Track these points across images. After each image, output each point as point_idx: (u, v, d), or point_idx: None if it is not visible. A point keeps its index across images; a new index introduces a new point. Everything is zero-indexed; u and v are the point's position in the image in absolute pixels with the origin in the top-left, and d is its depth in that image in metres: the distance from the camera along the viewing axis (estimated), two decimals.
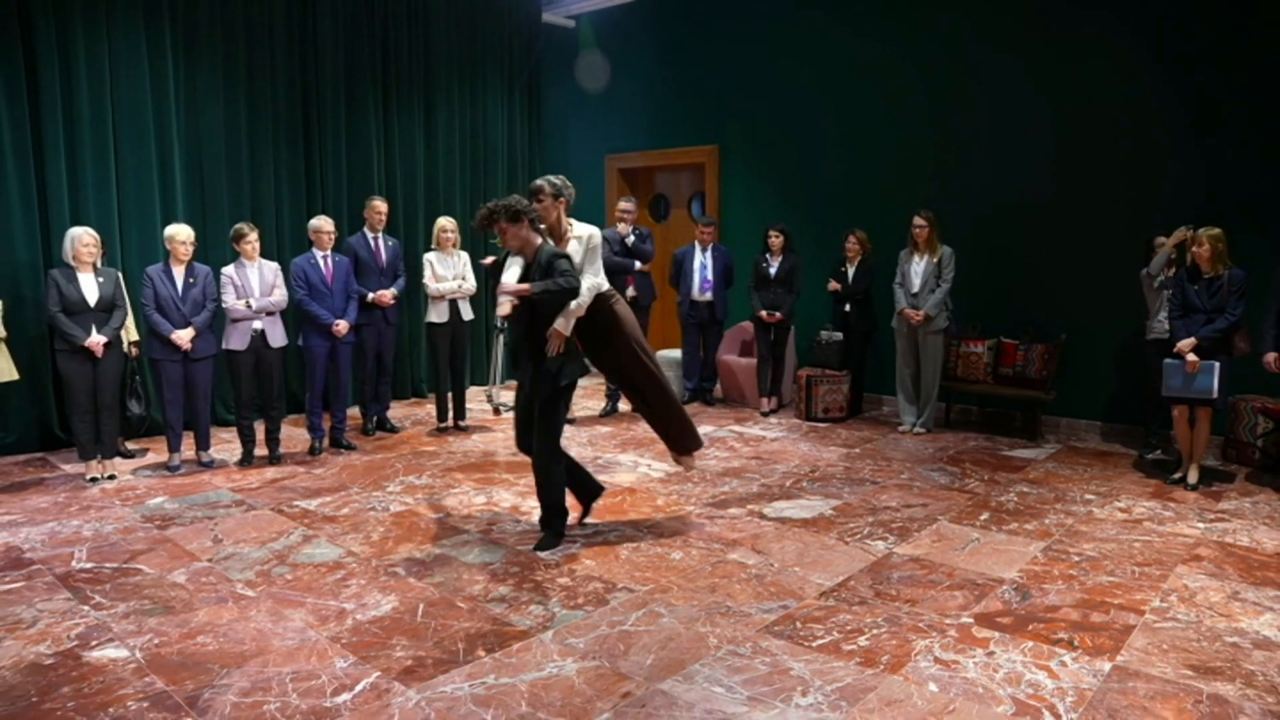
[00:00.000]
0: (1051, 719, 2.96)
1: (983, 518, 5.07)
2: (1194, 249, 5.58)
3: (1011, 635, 3.58)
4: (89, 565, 4.46)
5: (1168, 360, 5.58)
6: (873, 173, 8.01)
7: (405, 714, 3.03)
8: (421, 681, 3.25)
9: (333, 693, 3.18)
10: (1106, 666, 3.32)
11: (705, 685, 3.19)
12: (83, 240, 5.85)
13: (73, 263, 5.83)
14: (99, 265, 5.95)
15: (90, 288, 5.82)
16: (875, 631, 3.61)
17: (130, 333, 6.37)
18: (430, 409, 7.99)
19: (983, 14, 7.34)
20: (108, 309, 5.88)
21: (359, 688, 3.21)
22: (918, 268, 7.06)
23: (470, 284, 7.21)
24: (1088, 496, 5.47)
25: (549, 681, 3.23)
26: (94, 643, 3.60)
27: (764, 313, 7.71)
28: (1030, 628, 3.65)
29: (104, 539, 4.85)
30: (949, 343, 7.23)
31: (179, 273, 6.10)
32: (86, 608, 3.95)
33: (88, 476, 5.97)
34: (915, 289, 7.05)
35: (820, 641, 3.53)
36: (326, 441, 6.76)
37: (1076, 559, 4.42)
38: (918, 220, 7.01)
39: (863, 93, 8.02)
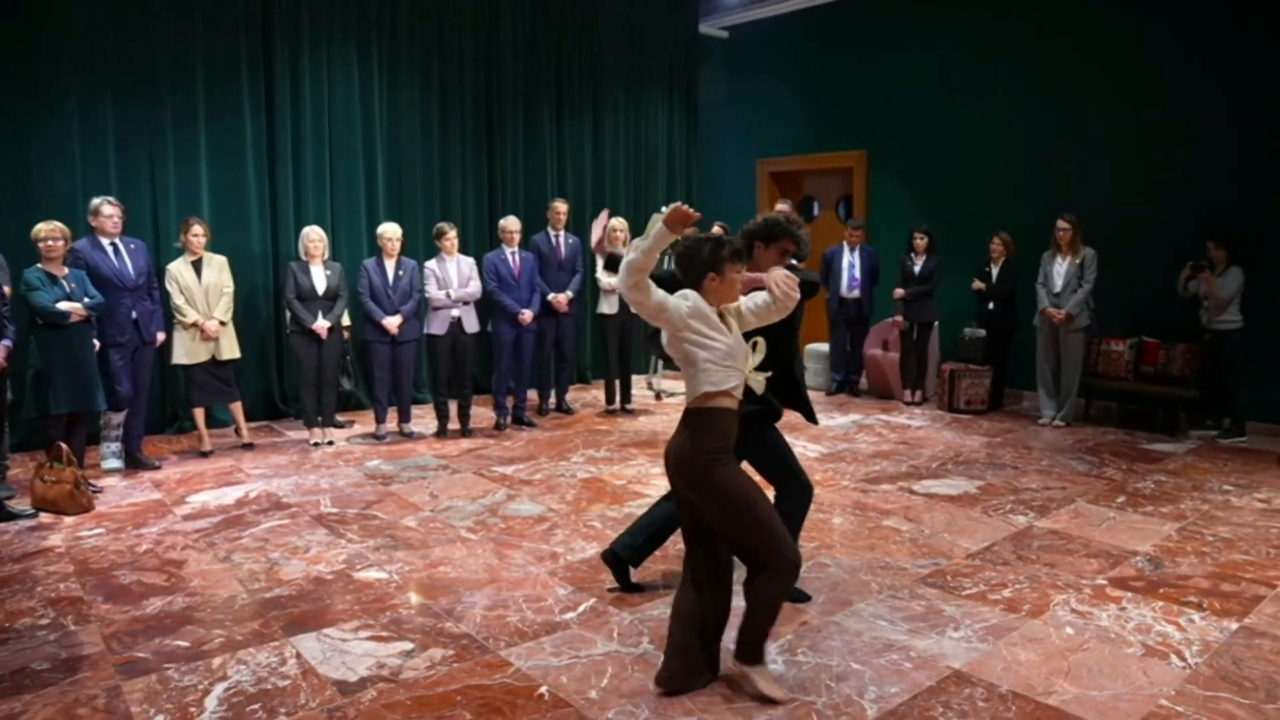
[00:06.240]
0: (1178, 661, 3.42)
1: (1119, 500, 5.46)
2: None
3: (1143, 596, 4.02)
4: (335, 510, 5.36)
5: None
6: (1016, 177, 8.35)
7: (623, 629, 3.73)
8: (632, 607, 3.94)
9: (560, 611, 3.90)
10: (1234, 626, 3.73)
11: (870, 619, 3.78)
12: (310, 238, 6.84)
13: (304, 257, 6.82)
14: (326, 259, 6.92)
15: (319, 278, 6.79)
16: (1018, 586, 4.13)
17: (344, 318, 7.33)
18: (596, 393, 8.78)
19: (1124, 21, 7.61)
20: (332, 298, 6.83)
21: (581, 609, 3.93)
22: (1060, 268, 7.39)
23: None
24: (1226, 487, 5.76)
25: (738, 610, 3.84)
26: (358, 566, 4.45)
27: (899, 318, 8.28)
28: (1161, 591, 4.08)
29: (339, 491, 5.75)
30: (1090, 340, 7.53)
31: (389, 266, 7.01)
32: (343, 541, 4.81)
33: (311, 441, 6.94)
34: (1058, 289, 7.39)
35: (968, 591, 4.07)
36: (509, 419, 7.59)
37: (1210, 539, 4.78)
38: (1061, 223, 7.34)
39: (1005, 100, 8.37)
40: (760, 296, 3.19)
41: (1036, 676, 3.29)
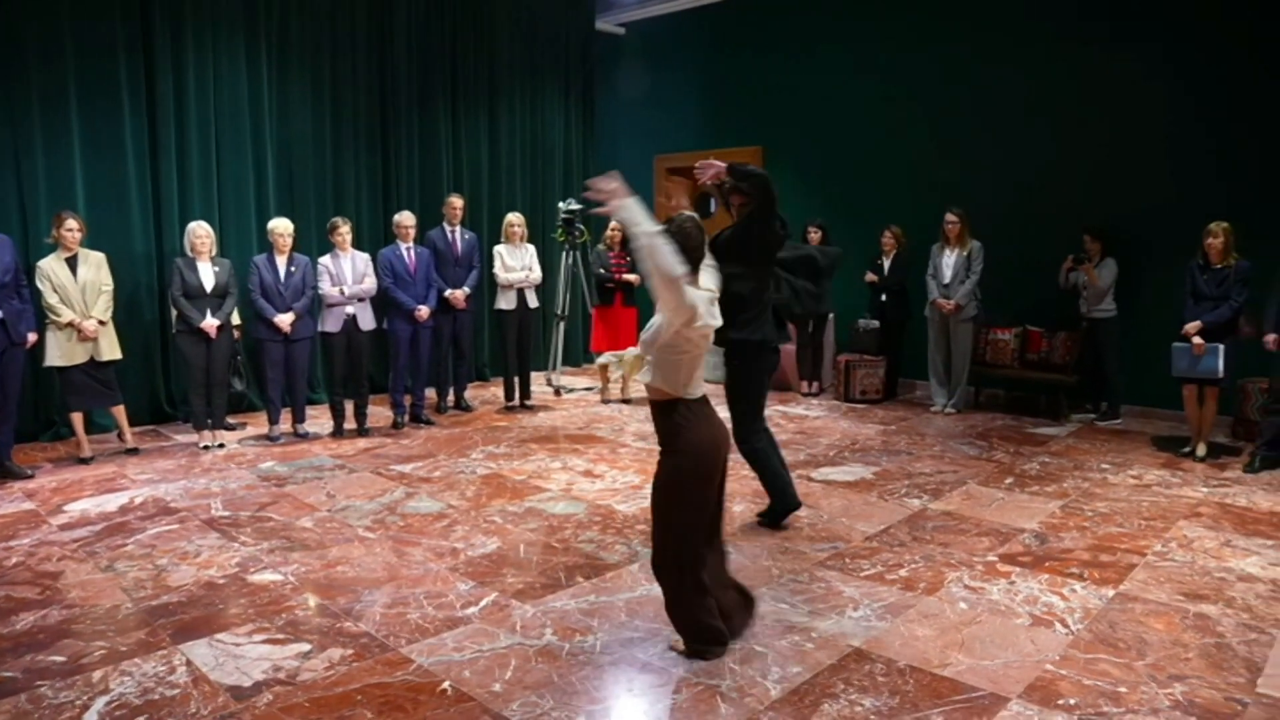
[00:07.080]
0: (1062, 628, 3.58)
1: (1007, 482, 5.68)
2: (1208, 240, 6.10)
3: (1030, 570, 4.19)
4: (227, 513, 5.17)
5: (1176, 344, 6.13)
6: (908, 172, 8.60)
7: (525, 622, 3.69)
8: (534, 599, 3.91)
9: (461, 606, 3.85)
10: (1110, 593, 3.93)
11: (773, 603, 3.83)
12: (196, 233, 6.57)
13: (191, 253, 6.55)
14: (214, 255, 6.66)
15: (207, 275, 6.53)
16: (913, 565, 4.25)
17: (234, 317, 7.07)
18: (495, 390, 8.69)
19: (1009, 21, 7.91)
20: (221, 295, 6.58)
21: (483, 603, 3.88)
22: (949, 260, 7.65)
23: (536, 274, 7.89)
24: (1104, 466, 6.05)
25: (641, 600, 3.89)
26: (252, 569, 4.30)
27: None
28: (1046, 564, 4.26)
29: (232, 494, 5.55)
30: (978, 330, 7.81)
31: (281, 262, 6.79)
32: (236, 544, 4.64)
33: (201, 444, 6.67)
34: (947, 280, 7.64)
35: (867, 572, 4.17)
36: (407, 417, 7.44)
37: (1090, 514, 5.02)
38: (949, 216, 7.60)
39: (898, 97, 8.61)
40: None
41: (932, 650, 3.39)
